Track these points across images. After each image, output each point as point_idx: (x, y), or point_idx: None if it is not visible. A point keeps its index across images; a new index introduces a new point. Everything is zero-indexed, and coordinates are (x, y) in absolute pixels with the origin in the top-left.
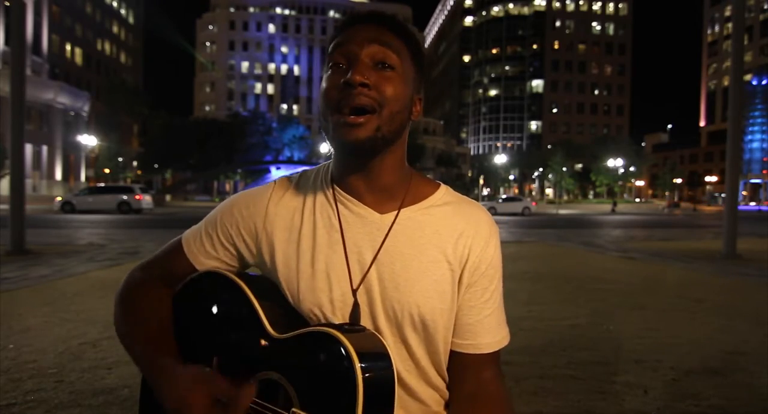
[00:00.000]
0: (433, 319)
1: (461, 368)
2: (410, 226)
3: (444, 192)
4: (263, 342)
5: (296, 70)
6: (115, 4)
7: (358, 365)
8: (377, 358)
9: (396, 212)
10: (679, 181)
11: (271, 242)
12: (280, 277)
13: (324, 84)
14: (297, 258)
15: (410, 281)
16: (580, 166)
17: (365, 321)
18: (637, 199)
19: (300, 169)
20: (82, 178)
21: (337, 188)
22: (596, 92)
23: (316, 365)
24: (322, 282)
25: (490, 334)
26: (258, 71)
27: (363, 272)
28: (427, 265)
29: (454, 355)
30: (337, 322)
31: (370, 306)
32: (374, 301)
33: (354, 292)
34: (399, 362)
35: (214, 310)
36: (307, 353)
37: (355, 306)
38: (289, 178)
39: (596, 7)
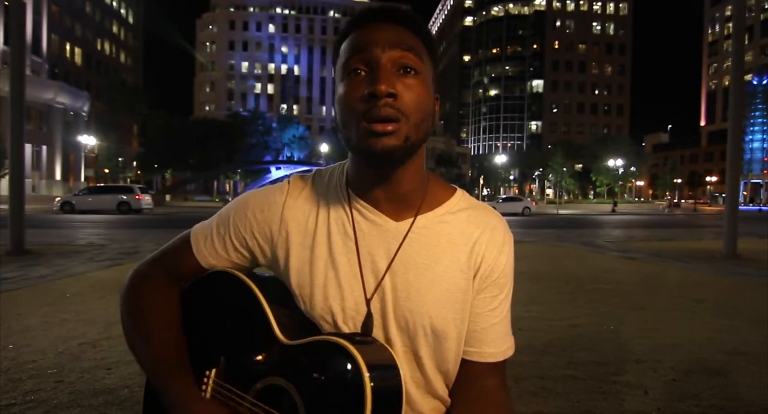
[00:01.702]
0: (445, 330)
1: (464, 375)
2: (425, 235)
3: (460, 198)
4: (272, 347)
5: (296, 70)
6: (115, 4)
7: (367, 377)
8: (386, 369)
9: (412, 220)
10: (679, 181)
11: (287, 246)
12: (293, 283)
13: (342, 92)
14: (310, 264)
15: (422, 291)
16: (580, 166)
17: (377, 330)
18: (643, 199)
19: (301, 168)
20: (82, 178)
21: (353, 194)
22: (596, 92)
23: (324, 375)
24: (334, 290)
25: (495, 343)
26: (258, 71)
27: (377, 281)
28: (441, 274)
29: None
30: (347, 330)
31: (382, 315)
32: (387, 310)
33: (368, 301)
34: (407, 374)
35: (224, 311)
36: (316, 362)
37: (368, 316)
38: (302, 177)
39: (596, 7)
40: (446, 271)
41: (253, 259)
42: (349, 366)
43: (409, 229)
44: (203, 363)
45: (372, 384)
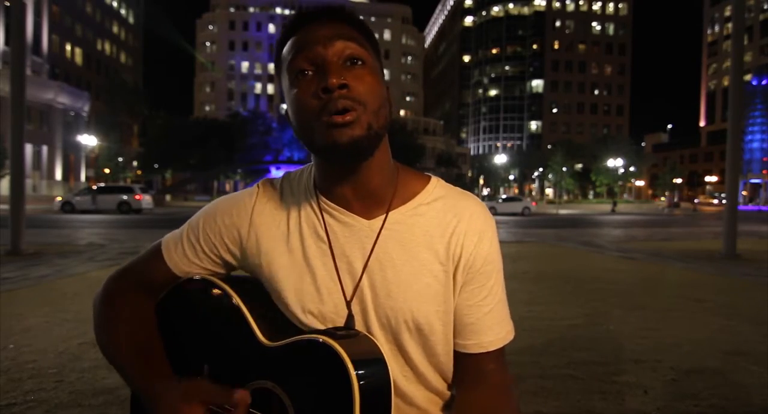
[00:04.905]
0: (428, 323)
1: (466, 366)
2: (399, 230)
3: (434, 186)
4: (255, 350)
5: None
6: (115, 4)
7: (353, 373)
8: (372, 363)
9: (384, 216)
10: (679, 181)
11: (258, 252)
12: (269, 289)
13: (294, 96)
14: (285, 270)
15: (402, 287)
16: (580, 166)
17: (359, 330)
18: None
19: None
20: (82, 178)
21: (321, 196)
22: (596, 92)
23: (310, 374)
24: (311, 295)
25: (492, 331)
26: (258, 71)
27: (354, 282)
28: (419, 269)
29: (458, 355)
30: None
31: (363, 316)
32: (367, 310)
33: (348, 303)
34: (396, 369)
35: (203, 318)
36: (300, 362)
37: (349, 317)
38: (272, 181)
39: (596, 7)
40: (424, 264)
41: (225, 264)
42: (333, 363)
43: (381, 226)
44: (188, 373)
45: (359, 379)
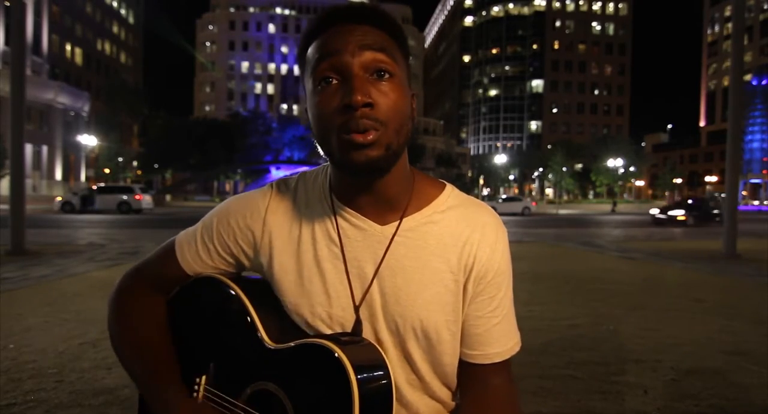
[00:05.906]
0: (437, 331)
1: (471, 376)
2: (412, 237)
3: (448, 195)
4: (259, 351)
5: (296, 70)
6: (115, 4)
7: (354, 379)
8: (374, 370)
9: (397, 223)
10: (679, 181)
11: (270, 253)
12: (278, 290)
13: (315, 105)
14: (295, 272)
15: (412, 295)
16: (580, 166)
17: (367, 336)
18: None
19: (301, 169)
20: (82, 178)
21: (336, 199)
22: (596, 92)
23: (312, 378)
24: (320, 297)
25: (499, 343)
26: (258, 71)
27: (364, 287)
28: (430, 277)
29: (464, 364)
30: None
31: (371, 321)
32: (376, 315)
33: (356, 308)
34: (401, 376)
35: (211, 317)
36: (303, 366)
37: (357, 322)
38: (286, 181)
39: (596, 7)
40: (435, 273)
41: (237, 264)
42: (335, 369)
43: (395, 233)
44: (194, 370)
45: (359, 386)
